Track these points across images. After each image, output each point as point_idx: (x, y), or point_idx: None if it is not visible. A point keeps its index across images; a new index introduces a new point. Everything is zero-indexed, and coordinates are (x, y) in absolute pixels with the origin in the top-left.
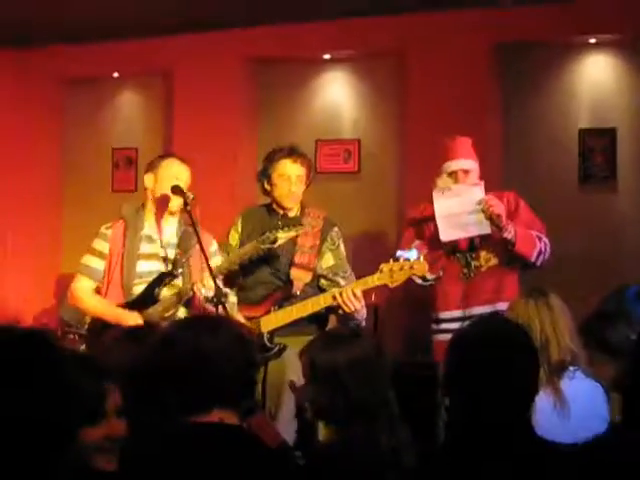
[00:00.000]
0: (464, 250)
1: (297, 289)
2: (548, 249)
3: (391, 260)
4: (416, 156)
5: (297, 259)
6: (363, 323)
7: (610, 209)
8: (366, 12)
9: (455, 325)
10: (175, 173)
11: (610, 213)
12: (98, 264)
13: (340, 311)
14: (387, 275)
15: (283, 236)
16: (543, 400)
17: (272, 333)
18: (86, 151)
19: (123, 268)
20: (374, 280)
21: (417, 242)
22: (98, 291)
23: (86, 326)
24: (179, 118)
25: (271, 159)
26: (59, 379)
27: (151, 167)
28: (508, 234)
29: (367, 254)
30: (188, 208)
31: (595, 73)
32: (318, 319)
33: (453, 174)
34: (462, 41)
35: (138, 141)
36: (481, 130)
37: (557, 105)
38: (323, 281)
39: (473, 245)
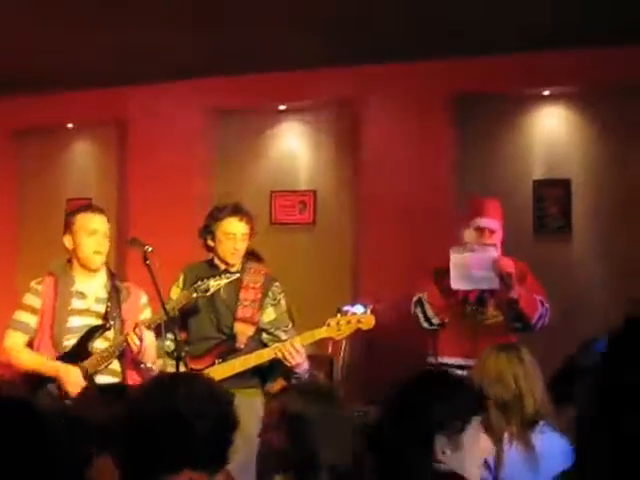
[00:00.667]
0: (472, 302)
1: (240, 343)
2: (548, 316)
3: (338, 314)
4: (370, 207)
5: (240, 313)
6: (305, 376)
7: (564, 258)
8: (322, 63)
9: (458, 372)
10: (89, 226)
11: (564, 262)
12: (30, 319)
13: (285, 364)
14: (334, 328)
15: (214, 284)
16: (514, 454)
17: None
18: (41, 202)
19: (54, 323)
20: (321, 333)
21: (427, 293)
22: (29, 346)
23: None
24: (133, 168)
25: (215, 217)
26: (43, 452)
27: (66, 227)
28: (514, 294)
29: (322, 305)
30: (147, 262)
31: (549, 125)
32: (261, 372)
33: (479, 230)
34: (417, 91)
35: (92, 191)
36: (436, 179)
37: (512, 155)
38: (265, 335)
39: (482, 299)
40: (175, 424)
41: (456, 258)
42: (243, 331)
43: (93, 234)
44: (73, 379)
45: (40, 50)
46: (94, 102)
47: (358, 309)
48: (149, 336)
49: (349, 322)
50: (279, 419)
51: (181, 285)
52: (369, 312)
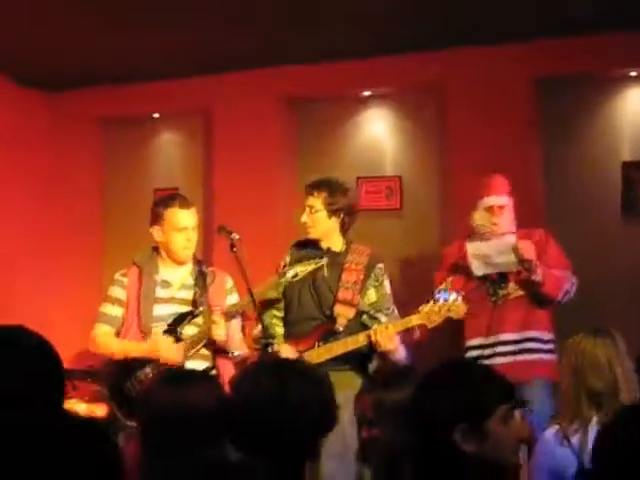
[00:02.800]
0: (494, 279)
1: (340, 325)
2: (574, 288)
3: (431, 301)
4: (458, 192)
5: (340, 295)
6: (403, 362)
7: None
8: (405, 48)
9: (477, 352)
10: (179, 223)
11: None
12: (116, 311)
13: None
14: (425, 316)
15: (302, 270)
16: None
17: None
18: (128, 192)
19: (140, 312)
20: (411, 321)
21: (451, 278)
22: (117, 337)
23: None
24: (218, 157)
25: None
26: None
27: (156, 219)
28: (536, 277)
29: (409, 291)
30: (234, 249)
31: (636, 106)
32: (360, 356)
33: (489, 209)
34: (503, 75)
35: (179, 181)
36: (523, 164)
37: (599, 138)
38: (365, 317)
39: (503, 275)
40: (283, 415)
41: (473, 248)
42: (343, 313)
43: (183, 230)
44: (165, 346)
45: (126, 43)
46: (179, 91)
47: (450, 296)
48: (234, 325)
49: (440, 310)
50: (376, 412)
51: (288, 263)
52: (460, 300)
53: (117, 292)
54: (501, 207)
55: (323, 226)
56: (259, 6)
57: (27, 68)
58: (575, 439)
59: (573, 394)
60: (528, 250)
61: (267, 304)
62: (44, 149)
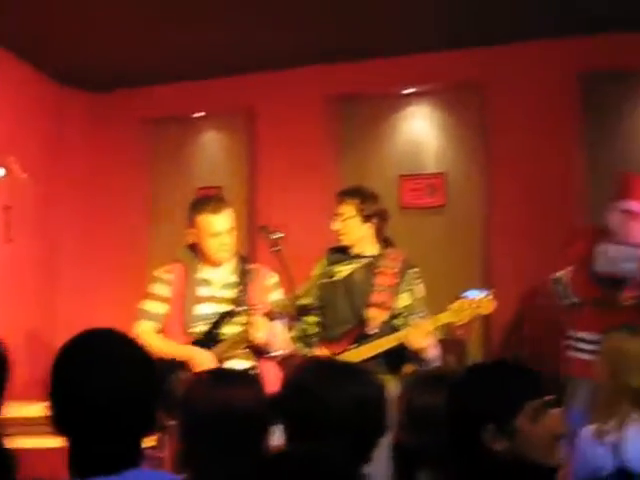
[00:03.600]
0: (613, 282)
1: (373, 328)
2: None
3: (459, 299)
4: (502, 189)
5: (374, 298)
6: (436, 362)
7: None
8: (446, 45)
9: (590, 347)
10: (211, 229)
11: None
12: (158, 308)
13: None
14: (453, 314)
15: (339, 270)
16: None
17: None
18: (173, 191)
19: (184, 311)
20: (441, 319)
21: (571, 268)
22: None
23: None
24: (262, 155)
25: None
26: None
27: (190, 222)
28: None
29: (453, 289)
30: (277, 248)
31: None
32: (393, 359)
33: (626, 213)
34: (544, 71)
35: (222, 180)
36: (566, 161)
37: None
38: (398, 321)
39: (621, 280)
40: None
41: (603, 246)
42: (376, 316)
43: (216, 236)
44: (206, 363)
45: (168, 42)
46: (223, 90)
47: (478, 294)
48: (276, 326)
49: (469, 307)
50: (407, 414)
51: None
52: (490, 297)
53: (158, 289)
54: (638, 214)
55: (355, 233)
56: (302, 4)
57: (70, 69)
58: (611, 438)
59: (611, 392)
60: None
61: (304, 308)
62: (87, 150)
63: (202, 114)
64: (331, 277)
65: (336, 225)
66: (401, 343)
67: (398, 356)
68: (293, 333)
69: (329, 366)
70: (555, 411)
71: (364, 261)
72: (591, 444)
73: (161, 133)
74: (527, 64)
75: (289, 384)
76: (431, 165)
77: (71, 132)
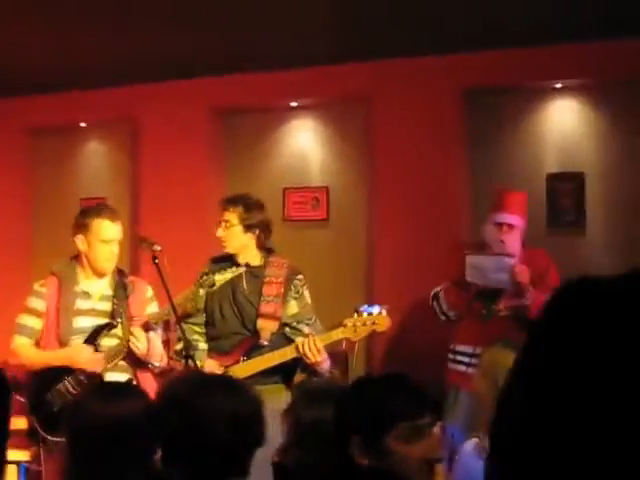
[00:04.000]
0: (488, 294)
1: (264, 339)
2: None
3: (355, 314)
4: (385, 203)
5: (263, 309)
6: (327, 374)
7: (578, 252)
8: (332, 59)
9: (466, 359)
10: (105, 235)
11: (578, 256)
12: (35, 322)
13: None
14: (351, 330)
15: (220, 278)
16: None
17: None
18: (55, 201)
19: (60, 324)
20: (337, 334)
21: (445, 285)
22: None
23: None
24: (145, 167)
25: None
26: None
27: (80, 228)
28: (526, 301)
29: (336, 302)
30: (156, 261)
31: (561, 118)
32: (286, 369)
33: (498, 225)
34: (428, 86)
35: (106, 190)
36: (447, 175)
37: (524, 150)
38: (287, 329)
39: (497, 291)
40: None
41: (474, 259)
42: (266, 327)
43: (107, 243)
44: (85, 354)
45: (52, 51)
46: (106, 101)
47: (374, 310)
48: (153, 337)
49: (365, 324)
50: (295, 430)
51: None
52: (384, 313)
53: (35, 303)
54: (511, 226)
55: (238, 241)
56: (189, 15)
57: None
58: None
59: (491, 406)
60: (523, 274)
61: (187, 318)
62: None
63: (86, 124)
64: (212, 286)
65: (219, 232)
66: (298, 356)
67: (290, 366)
68: (178, 346)
69: (203, 379)
70: (433, 433)
71: (242, 269)
72: (472, 458)
73: (45, 143)
74: (412, 78)
75: (163, 396)
76: (315, 179)
77: None
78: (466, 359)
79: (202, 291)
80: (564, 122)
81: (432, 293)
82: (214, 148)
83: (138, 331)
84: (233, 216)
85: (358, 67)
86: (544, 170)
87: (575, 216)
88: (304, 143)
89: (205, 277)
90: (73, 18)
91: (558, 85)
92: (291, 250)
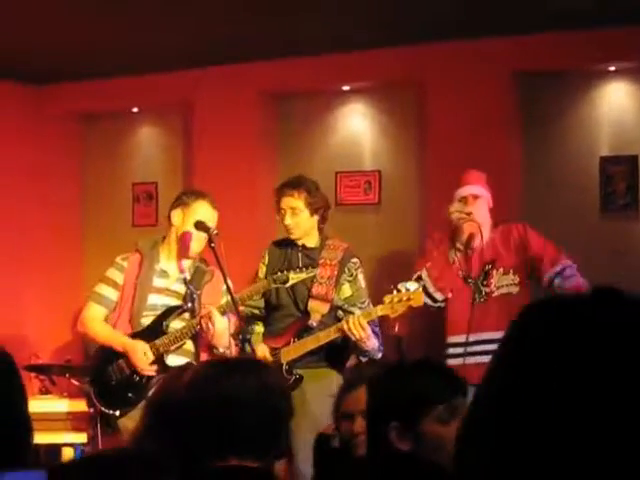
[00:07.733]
0: (476, 277)
1: (314, 320)
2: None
3: (394, 291)
4: (437, 186)
5: (315, 290)
6: (378, 355)
7: (631, 236)
8: (383, 43)
9: (459, 350)
10: (204, 217)
11: (632, 240)
12: (111, 293)
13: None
14: (388, 307)
15: (294, 277)
16: None
17: (291, 364)
18: (106, 186)
19: (134, 300)
20: (377, 311)
21: (429, 264)
22: (107, 320)
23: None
24: (198, 151)
25: (276, 192)
26: None
27: (181, 204)
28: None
29: (388, 286)
30: (212, 245)
31: (615, 101)
32: (338, 353)
33: (463, 199)
34: (481, 70)
35: (158, 175)
36: (501, 159)
37: (577, 133)
38: (340, 312)
39: (485, 272)
40: (221, 412)
41: None
42: (317, 309)
43: (203, 228)
44: (139, 355)
45: (105, 36)
46: (159, 86)
47: (411, 286)
48: (222, 322)
49: (401, 300)
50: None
51: (266, 262)
52: (420, 290)
53: (115, 275)
54: (475, 197)
55: (306, 226)
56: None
57: (6, 61)
58: None
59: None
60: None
61: (252, 316)
62: (22, 144)
63: (138, 110)
64: (284, 282)
65: (287, 220)
66: (343, 335)
67: (340, 349)
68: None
69: (226, 362)
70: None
71: (316, 271)
72: None
73: (97, 128)
74: (464, 62)
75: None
76: (367, 162)
77: (6, 126)
78: (459, 350)
79: (274, 286)
80: (617, 105)
81: (414, 277)
82: (265, 132)
83: (215, 313)
84: (298, 202)
85: (410, 50)
86: (597, 153)
87: (629, 199)
88: (356, 127)
89: (280, 274)
90: (126, 3)
91: (612, 68)
92: (343, 234)
